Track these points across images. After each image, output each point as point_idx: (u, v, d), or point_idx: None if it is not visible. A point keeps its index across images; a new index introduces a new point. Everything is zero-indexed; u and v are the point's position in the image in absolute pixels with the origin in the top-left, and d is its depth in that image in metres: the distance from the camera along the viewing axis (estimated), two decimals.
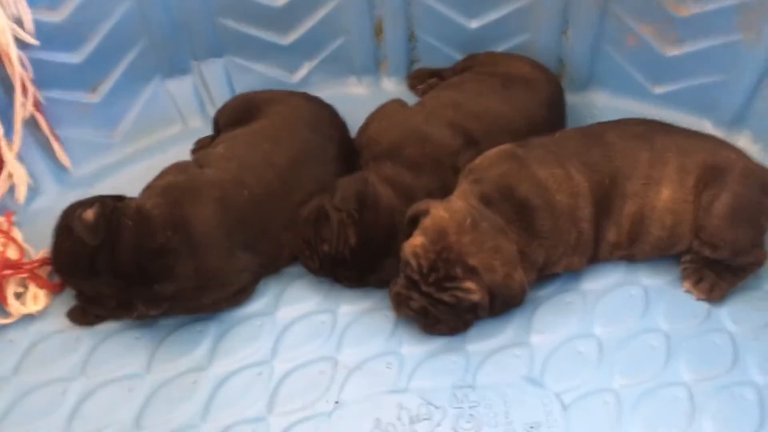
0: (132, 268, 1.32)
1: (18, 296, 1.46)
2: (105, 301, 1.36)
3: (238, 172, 1.48)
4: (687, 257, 1.48)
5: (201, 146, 1.77)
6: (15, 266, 1.47)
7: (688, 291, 1.46)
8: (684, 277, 1.47)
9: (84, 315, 1.43)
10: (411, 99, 1.83)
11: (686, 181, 1.44)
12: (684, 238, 1.45)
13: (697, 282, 1.45)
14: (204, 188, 1.44)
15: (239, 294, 1.46)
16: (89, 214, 1.32)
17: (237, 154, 1.53)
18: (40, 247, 1.56)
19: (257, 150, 1.53)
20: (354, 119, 1.70)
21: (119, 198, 1.42)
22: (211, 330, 1.44)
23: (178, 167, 1.51)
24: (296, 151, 1.54)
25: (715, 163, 1.44)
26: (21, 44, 1.55)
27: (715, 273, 1.45)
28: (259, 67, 1.89)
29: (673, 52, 1.71)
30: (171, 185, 1.45)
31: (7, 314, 1.44)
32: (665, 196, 1.44)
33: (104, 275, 1.32)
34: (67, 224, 1.36)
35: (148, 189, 1.47)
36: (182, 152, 1.78)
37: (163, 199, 1.40)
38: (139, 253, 1.32)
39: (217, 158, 1.53)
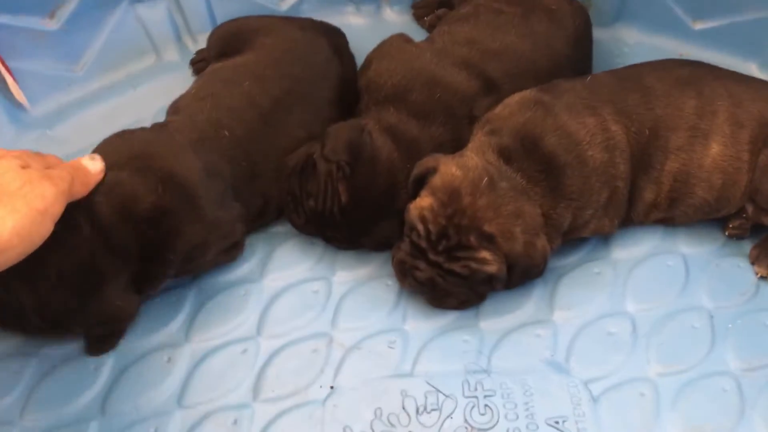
0: (133, 246, 1.11)
1: None
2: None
3: (213, 113, 1.28)
4: (736, 223, 1.30)
5: (202, 58, 1.60)
6: None
7: (763, 278, 1.28)
8: (753, 260, 1.30)
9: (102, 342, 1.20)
10: (416, 32, 1.63)
11: (740, 135, 1.24)
12: (733, 201, 1.27)
13: None
14: (176, 133, 1.24)
15: (234, 248, 1.30)
16: None
17: (211, 92, 1.32)
18: None
19: (236, 88, 1.32)
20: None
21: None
22: (188, 300, 1.26)
23: (124, 132, 1.27)
24: (281, 91, 1.33)
25: None
26: None
27: None
28: None
29: None
30: (133, 144, 1.22)
31: None
32: (714, 151, 1.25)
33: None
34: None
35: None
36: (156, 88, 1.59)
37: (130, 160, 1.17)
38: (132, 225, 1.11)
39: (186, 101, 1.34)
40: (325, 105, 1.37)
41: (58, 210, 0.97)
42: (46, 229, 0.96)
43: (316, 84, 1.38)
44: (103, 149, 1.20)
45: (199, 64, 1.60)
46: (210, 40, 1.56)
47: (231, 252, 1.29)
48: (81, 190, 1.05)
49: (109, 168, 1.13)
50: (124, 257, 1.11)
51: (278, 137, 1.30)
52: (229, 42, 1.46)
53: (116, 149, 1.19)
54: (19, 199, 0.92)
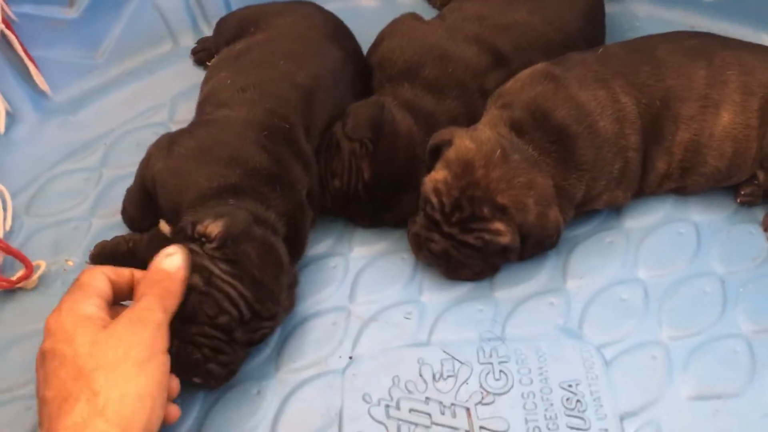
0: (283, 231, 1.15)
1: None
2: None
3: (265, 102, 1.25)
4: (747, 190, 1.31)
5: (204, 47, 1.61)
6: None
7: None
8: (766, 227, 1.31)
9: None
10: (427, 13, 1.63)
11: (750, 103, 1.25)
12: (744, 168, 1.28)
13: None
14: (244, 129, 1.22)
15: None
16: (213, 228, 1.05)
17: (251, 82, 1.28)
18: (19, 182, 1.42)
19: (273, 70, 1.30)
20: (363, 36, 1.50)
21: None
22: None
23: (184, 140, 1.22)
24: (319, 68, 1.33)
25: None
26: None
27: None
28: None
29: None
30: (220, 152, 1.17)
31: None
32: (725, 120, 1.25)
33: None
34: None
35: (189, 180, 1.16)
36: (173, 73, 1.63)
37: (228, 168, 1.15)
38: (277, 217, 1.14)
39: (228, 94, 1.28)
40: (354, 80, 1.38)
41: (162, 342, 0.95)
42: (165, 362, 0.95)
43: (344, 60, 1.38)
44: (186, 168, 1.17)
45: (200, 54, 1.61)
46: (221, 26, 1.55)
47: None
48: (173, 302, 0.99)
49: (208, 179, 1.13)
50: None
51: (320, 117, 1.30)
52: (244, 25, 1.45)
53: (202, 160, 1.17)
54: (123, 363, 0.91)
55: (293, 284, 1.17)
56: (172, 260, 1.01)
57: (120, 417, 0.88)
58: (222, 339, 1.05)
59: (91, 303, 0.97)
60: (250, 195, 1.14)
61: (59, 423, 0.87)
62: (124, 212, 1.29)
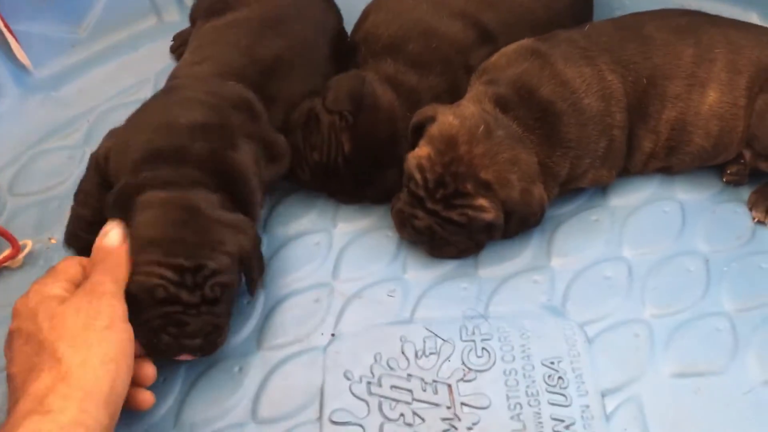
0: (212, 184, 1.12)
1: None
2: None
3: (215, 69, 1.26)
4: (733, 169, 1.31)
5: (182, 42, 1.57)
6: None
7: (760, 222, 1.28)
8: (750, 205, 1.30)
9: None
10: None
11: (737, 81, 1.24)
12: (731, 147, 1.28)
13: (767, 211, 1.28)
14: (183, 90, 1.22)
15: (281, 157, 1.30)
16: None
17: (208, 55, 1.29)
18: (1, 161, 1.41)
19: (233, 47, 1.30)
20: (349, 11, 1.49)
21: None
22: None
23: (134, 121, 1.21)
24: (283, 47, 1.32)
25: None
26: None
27: None
28: None
29: None
30: (153, 116, 1.18)
31: None
32: (712, 99, 1.25)
33: None
34: None
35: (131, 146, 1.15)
36: (157, 48, 1.61)
37: (158, 128, 1.15)
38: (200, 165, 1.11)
39: (184, 69, 1.31)
40: (324, 59, 1.37)
41: (121, 310, 0.98)
42: (126, 329, 0.97)
43: (315, 39, 1.37)
44: (124, 140, 1.17)
45: (180, 49, 1.56)
46: (199, 4, 1.52)
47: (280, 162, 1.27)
48: (122, 272, 1.01)
49: (137, 149, 1.12)
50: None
51: (282, 92, 1.29)
52: (221, 2, 1.42)
53: (138, 129, 1.17)
54: (83, 332, 0.93)
55: (236, 226, 1.09)
56: (109, 238, 1.05)
57: (83, 381, 0.90)
58: (178, 311, 1.04)
59: (57, 285, 1.00)
60: (167, 157, 1.11)
61: (24, 392, 0.89)
62: (80, 187, 1.26)
